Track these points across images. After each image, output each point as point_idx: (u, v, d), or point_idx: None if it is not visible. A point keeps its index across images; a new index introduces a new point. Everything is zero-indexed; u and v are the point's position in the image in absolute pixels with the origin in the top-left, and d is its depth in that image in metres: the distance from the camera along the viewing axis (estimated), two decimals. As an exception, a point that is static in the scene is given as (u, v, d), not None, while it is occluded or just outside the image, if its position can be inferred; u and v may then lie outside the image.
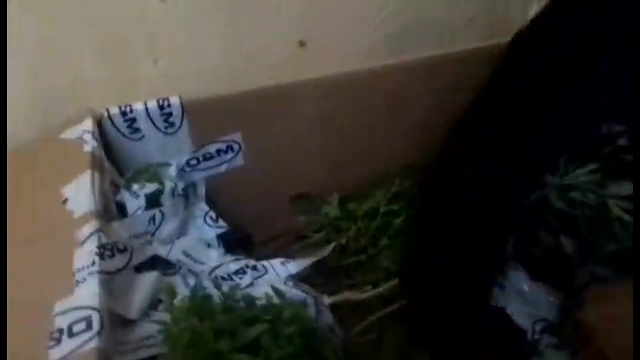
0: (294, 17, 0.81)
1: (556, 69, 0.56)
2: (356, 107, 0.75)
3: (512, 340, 0.64)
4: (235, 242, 0.71)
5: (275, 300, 0.49)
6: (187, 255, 0.59)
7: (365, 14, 0.85)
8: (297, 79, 0.72)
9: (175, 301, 0.47)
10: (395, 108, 0.78)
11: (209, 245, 0.67)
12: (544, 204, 0.56)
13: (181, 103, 0.65)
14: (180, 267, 0.59)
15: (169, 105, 0.64)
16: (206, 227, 0.69)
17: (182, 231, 0.66)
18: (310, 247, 0.78)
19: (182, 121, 0.66)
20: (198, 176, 0.73)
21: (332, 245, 0.75)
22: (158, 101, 0.64)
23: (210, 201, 0.75)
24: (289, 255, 0.76)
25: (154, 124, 0.65)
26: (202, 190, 0.73)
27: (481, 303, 0.64)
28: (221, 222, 0.70)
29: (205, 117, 0.68)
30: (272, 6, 0.79)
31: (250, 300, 0.49)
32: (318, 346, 0.46)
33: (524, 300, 0.66)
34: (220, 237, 0.68)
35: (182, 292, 0.54)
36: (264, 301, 0.52)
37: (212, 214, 0.70)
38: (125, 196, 0.59)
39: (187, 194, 0.72)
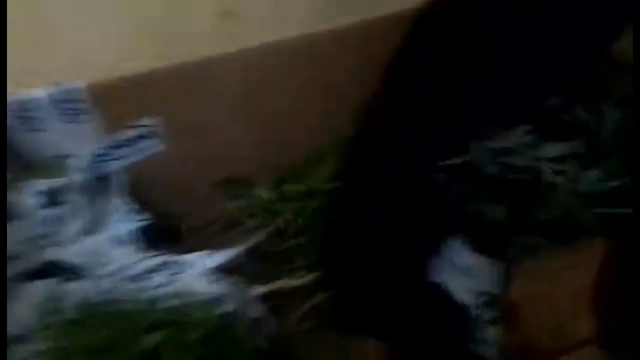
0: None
1: (491, 24, 0.52)
2: (284, 80, 0.70)
3: (454, 317, 0.61)
4: (161, 234, 0.66)
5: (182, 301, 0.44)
6: (87, 257, 0.53)
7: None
8: (217, 53, 0.66)
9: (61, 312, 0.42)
10: (328, 79, 0.73)
11: (128, 242, 0.62)
12: (473, 169, 0.52)
13: (84, 88, 0.59)
14: (82, 272, 0.54)
15: (71, 91, 0.58)
16: (126, 221, 0.63)
17: (94, 229, 0.61)
18: (245, 234, 0.73)
19: (87, 108, 0.60)
20: (115, 166, 0.67)
21: (266, 230, 0.70)
22: (57, 87, 0.58)
23: (133, 192, 0.69)
24: (224, 244, 0.71)
25: (55, 112, 0.59)
26: (122, 180, 0.67)
27: (418, 277, 0.60)
28: (141, 215, 0.64)
29: (114, 101, 0.62)
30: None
31: (154, 304, 0.44)
32: (228, 349, 0.42)
33: (466, 273, 0.63)
34: (142, 231, 0.63)
35: (83, 299, 0.48)
36: (176, 302, 0.47)
37: (133, 206, 0.65)
38: (18, 194, 0.53)
39: (104, 187, 0.66)
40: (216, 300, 0.52)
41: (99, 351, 0.39)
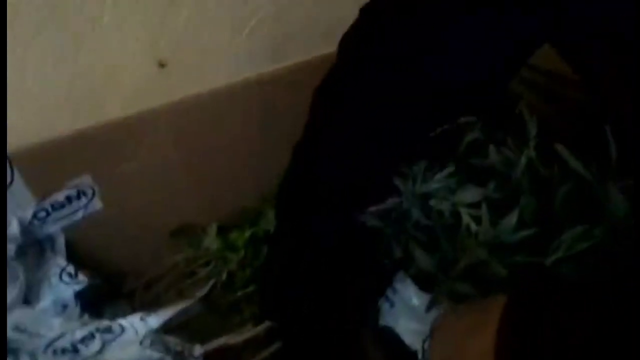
0: (150, 35, 0.73)
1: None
2: (221, 125, 0.69)
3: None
4: (100, 296, 0.64)
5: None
6: (20, 330, 0.52)
7: (233, 24, 0.78)
8: (151, 106, 0.66)
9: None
10: (269, 120, 0.72)
11: (64, 309, 0.60)
12: (403, 213, 0.51)
13: (6, 154, 0.57)
14: (12, 346, 0.52)
15: (-10, 159, 0.57)
16: (62, 286, 0.61)
17: (30, 296, 0.59)
18: (197, 286, 0.72)
19: (12, 174, 0.59)
20: (53, 228, 0.65)
21: (215, 280, 0.69)
22: (-24, 156, 0.56)
23: (73, 253, 0.67)
24: (173, 299, 0.70)
25: (-22, 181, 0.57)
26: (60, 243, 0.66)
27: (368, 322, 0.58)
28: (80, 277, 0.63)
29: (42, 164, 0.61)
30: (120, 25, 0.71)
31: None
32: None
33: (414, 315, 0.61)
34: (80, 295, 0.61)
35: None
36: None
37: (70, 269, 0.63)
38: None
39: (41, 251, 0.65)
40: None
41: None
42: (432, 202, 0.49)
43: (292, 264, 0.55)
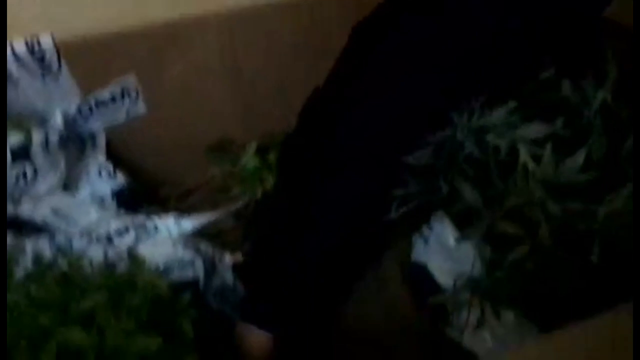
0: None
1: None
2: (271, 41, 0.67)
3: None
4: (137, 198, 0.64)
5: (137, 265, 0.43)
6: (57, 213, 0.52)
7: None
8: (200, 12, 0.63)
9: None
10: (319, 40, 0.69)
11: (101, 202, 0.61)
12: (456, 146, 0.49)
13: (54, 43, 0.56)
14: (48, 228, 0.53)
15: (39, 46, 0.56)
16: (100, 182, 0.62)
17: (69, 187, 0.60)
18: (229, 201, 0.72)
19: (59, 64, 0.58)
20: (95, 126, 0.65)
21: (250, 198, 0.69)
22: (26, 42, 0.56)
23: (114, 154, 0.68)
24: (206, 209, 0.70)
25: (26, 68, 0.57)
26: (101, 141, 0.66)
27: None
28: (119, 177, 0.63)
29: (89, 58, 0.61)
30: None
31: (107, 267, 0.43)
32: (175, 320, 0.40)
33: (448, 255, 0.60)
34: (116, 193, 0.62)
35: (42, 255, 0.47)
36: (132, 266, 0.46)
37: (109, 167, 0.63)
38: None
39: (82, 146, 0.65)
40: (179, 265, 0.50)
41: (47, 307, 0.38)
42: (489, 137, 0.46)
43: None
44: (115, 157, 0.68)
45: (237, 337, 0.51)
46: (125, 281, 0.41)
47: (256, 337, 0.50)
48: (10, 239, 0.48)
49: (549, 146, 0.39)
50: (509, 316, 0.52)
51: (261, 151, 0.71)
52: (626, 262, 0.35)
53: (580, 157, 0.38)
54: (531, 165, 0.39)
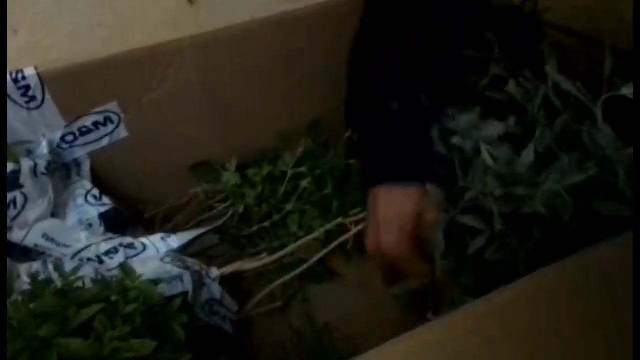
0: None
1: None
2: (244, 63, 0.70)
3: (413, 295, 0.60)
4: (123, 220, 0.66)
5: (124, 279, 0.45)
6: (48, 238, 0.54)
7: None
8: (178, 39, 0.67)
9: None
10: (290, 60, 0.72)
11: (90, 226, 0.63)
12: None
13: (38, 74, 0.59)
14: (41, 253, 0.55)
15: (24, 78, 0.59)
16: (87, 207, 0.64)
17: (57, 213, 0.62)
18: (215, 219, 0.74)
19: (43, 94, 0.61)
20: (79, 153, 0.68)
21: (233, 214, 0.71)
22: (11, 74, 0.58)
23: (98, 178, 0.70)
24: (194, 229, 0.72)
25: (12, 99, 0.60)
26: (86, 167, 0.69)
27: None
28: (105, 200, 0.65)
29: (72, 87, 0.63)
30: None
31: (100, 282, 0.45)
32: (167, 324, 0.42)
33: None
34: (103, 216, 0.64)
35: (37, 275, 0.49)
36: (126, 280, 0.48)
37: (95, 192, 0.66)
38: (-25, 180, 0.54)
39: (68, 172, 0.67)
40: (168, 280, 0.52)
41: (46, 318, 0.40)
42: (455, 139, 0.50)
43: None
44: (100, 180, 0.70)
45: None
46: (118, 291, 0.43)
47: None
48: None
49: (505, 145, 0.43)
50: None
51: (241, 168, 0.74)
52: (564, 236, 0.38)
53: (531, 151, 0.42)
54: (489, 161, 0.43)
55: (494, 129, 0.45)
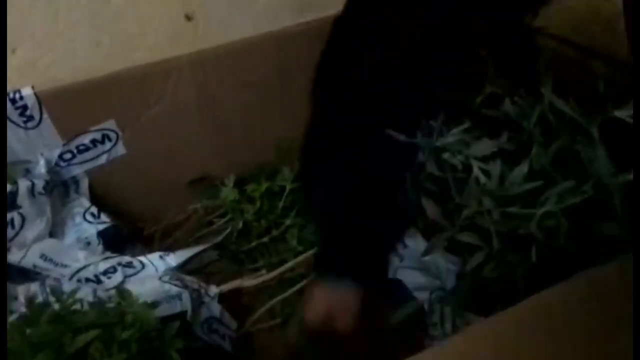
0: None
1: None
2: (242, 78, 0.70)
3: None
4: (122, 237, 0.66)
5: (128, 302, 0.45)
6: (46, 259, 0.54)
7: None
8: (175, 56, 0.67)
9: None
10: (288, 75, 0.73)
11: (88, 244, 0.63)
12: (418, 167, 0.52)
13: (35, 94, 0.59)
14: (38, 273, 0.55)
15: (21, 98, 0.59)
16: (86, 225, 0.64)
17: (55, 232, 0.62)
18: (214, 235, 0.74)
19: (41, 113, 0.61)
20: (77, 171, 0.68)
21: (232, 230, 0.71)
22: (9, 94, 0.59)
23: (96, 196, 0.70)
24: (190, 244, 0.72)
25: (9, 119, 0.60)
26: (84, 185, 0.69)
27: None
28: (103, 218, 0.65)
29: (69, 106, 0.63)
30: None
31: (98, 305, 0.45)
32: (164, 349, 0.42)
33: (422, 269, 0.63)
34: (102, 234, 0.64)
35: (34, 298, 0.49)
36: (122, 302, 0.48)
37: (94, 209, 0.66)
38: (-27, 201, 0.55)
39: (66, 191, 0.68)
40: (166, 299, 0.52)
41: (42, 346, 0.40)
42: (446, 156, 0.50)
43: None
44: (98, 198, 0.70)
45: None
46: (115, 317, 0.43)
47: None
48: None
49: (497, 161, 0.43)
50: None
51: (240, 183, 0.74)
52: (561, 259, 0.38)
53: (524, 168, 0.41)
54: (482, 179, 0.43)
55: (486, 146, 0.45)
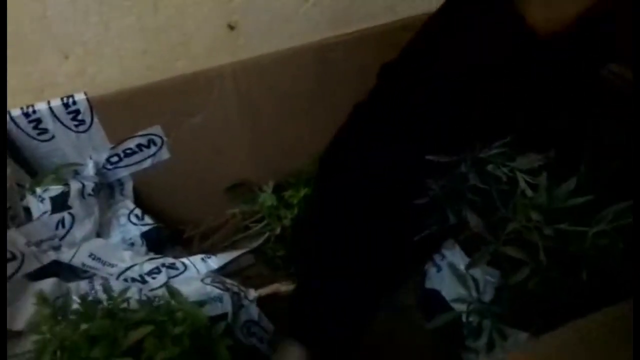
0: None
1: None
2: (282, 88, 0.72)
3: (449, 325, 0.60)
4: (163, 239, 0.68)
5: (177, 300, 0.47)
6: (94, 258, 0.56)
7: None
8: (218, 65, 0.69)
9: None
10: (328, 85, 0.74)
11: (132, 245, 0.65)
12: (461, 179, 0.53)
13: (87, 99, 0.62)
14: (87, 272, 0.57)
15: (74, 103, 0.62)
16: (130, 226, 0.66)
17: (101, 232, 0.64)
18: (251, 239, 0.76)
19: (92, 118, 0.63)
20: (123, 173, 0.70)
21: (269, 235, 0.73)
22: (62, 99, 0.61)
23: (140, 198, 0.72)
24: (228, 248, 0.74)
25: (62, 123, 0.62)
26: (129, 187, 0.71)
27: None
28: (147, 220, 0.67)
29: (118, 112, 0.65)
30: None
31: (147, 303, 0.47)
32: (213, 346, 0.44)
33: (460, 281, 0.63)
34: (145, 235, 0.66)
35: (86, 295, 0.51)
36: (171, 301, 0.50)
37: (138, 211, 0.68)
38: (29, 200, 0.57)
39: (112, 193, 0.70)
40: (208, 301, 0.54)
41: (98, 340, 0.42)
42: (490, 168, 0.50)
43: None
44: (141, 200, 0.72)
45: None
46: (166, 314, 0.44)
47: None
48: (54, 283, 0.52)
49: (544, 174, 0.43)
50: (521, 336, 0.54)
51: (277, 190, 0.76)
52: (612, 280, 0.38)
53: (572, 183, 0.42)
54: (529, 192, 0.43)
55: (532, 159, 0.45)
